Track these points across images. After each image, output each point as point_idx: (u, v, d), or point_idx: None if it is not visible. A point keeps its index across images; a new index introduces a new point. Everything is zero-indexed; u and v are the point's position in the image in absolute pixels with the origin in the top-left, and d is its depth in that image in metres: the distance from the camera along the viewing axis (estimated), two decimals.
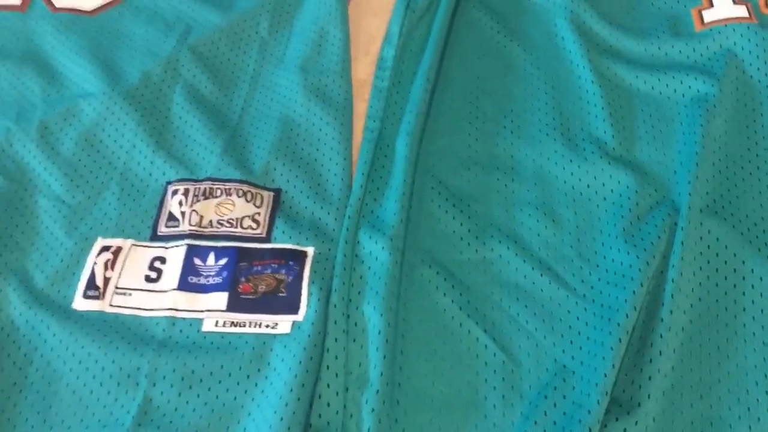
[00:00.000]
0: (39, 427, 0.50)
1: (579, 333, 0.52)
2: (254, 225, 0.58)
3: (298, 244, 0.57)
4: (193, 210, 0.59)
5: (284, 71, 0.69)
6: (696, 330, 0.52)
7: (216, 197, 0.60)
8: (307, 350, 0.51)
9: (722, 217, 0.57)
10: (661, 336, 0.50)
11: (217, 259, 0.56)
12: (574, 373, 0.50)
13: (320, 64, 0.69)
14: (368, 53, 0.71)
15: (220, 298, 0.54)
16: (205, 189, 0.60)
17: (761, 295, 0.53)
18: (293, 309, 0.53)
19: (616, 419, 0.48)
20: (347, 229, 0.57)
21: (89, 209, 0.60)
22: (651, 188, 0.59)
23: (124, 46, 0.71)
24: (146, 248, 0.57)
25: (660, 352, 0.50)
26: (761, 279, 0.54)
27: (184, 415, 0.50)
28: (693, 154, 0.59)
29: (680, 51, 0.67)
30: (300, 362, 0.50)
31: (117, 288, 0.55)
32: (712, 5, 0.69)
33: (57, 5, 0.75)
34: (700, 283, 0.54)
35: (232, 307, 0.54)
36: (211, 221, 0.58)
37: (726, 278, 0.54)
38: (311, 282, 0.54)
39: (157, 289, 0.55)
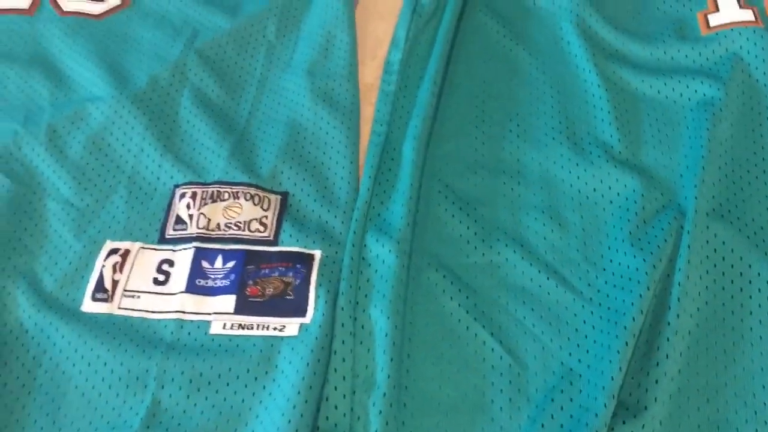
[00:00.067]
0: (48, 428, 0.50)
1: (586, 336, 0.52)
2: (262, 228, 0.58)
3: (305, 247, 0.57)
4: (201, 213, 0.59)
5: (291, 75, 0.69)
6: (702, 333, 0.52)
7: (224, 200, 0.60)
8: (314, 353, 0.51)
9: (729, 220, 0.57)
10: (668, 339, 0.50)
11: (224, 261, 0.56)
12: (580, 376, 0.50)
13: (327, 68, 0.69)
14: (375, 57, 0.71)
15: (228, 301, 0.55)
16: (213, 192, 0.60)
17: None
18: (301, 312, 0.54)
19: (623, 422, 0.48)
20: (354, 233, 0.57)
21: (97, 212, 0.60)
22: (657, 192, 0.59)
23: (131, 50, 0.72)
24: (154, 251, 0.58)
25: (667, 356, 0.50)
26: None
27: (192, 417, 0.50)
28: (699, 158, 0.59)
29: (686, 55, 0.67)
30: (307, 364, 0.50)
31: (125, 290, 0.56)
32: (718, 9, 0.69)
33: (65, 9, 0.76)
34: (706, 287, 0.54)
35: (239, 309, 0.54)
36: (218, 224, 0.59)
37: (732, 282, 0.54)
38: (318, 285, 0.55)
39: (165, 292, 0.55)
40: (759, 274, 0.54)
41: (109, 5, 0.76)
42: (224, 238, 0.58)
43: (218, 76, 0.69)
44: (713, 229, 0.56)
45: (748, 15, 0.67)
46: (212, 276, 0.56)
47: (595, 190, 0.60)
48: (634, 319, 0.51)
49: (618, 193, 0.59)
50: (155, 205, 0.61)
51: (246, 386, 0.51)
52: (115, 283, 0.56)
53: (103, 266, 0.57)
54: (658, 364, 0.50)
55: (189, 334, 0.54)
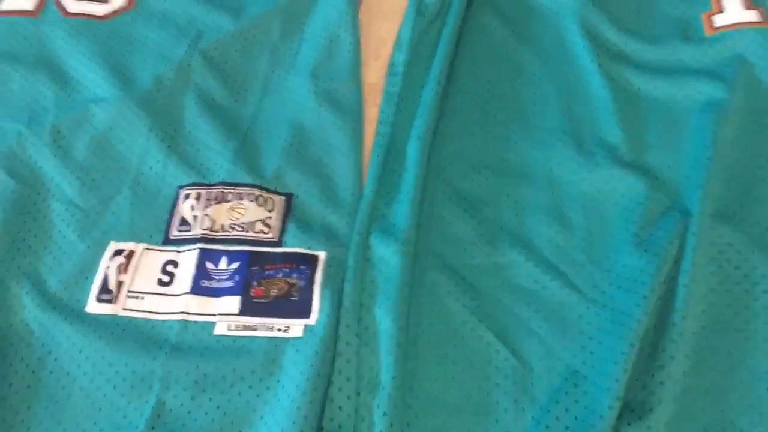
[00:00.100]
0: (52, 429, 0.50)
1: (590, 338, 0.52)
2: (266, 229, 0.58)
3: (309, 248, 0.57)
4: (205, 214, 0.59)
5: (295, 76, 0.69)
6: (708, 335, 0.52)
7: (228, 201, 0.60)
8: (319, 354, 0.51)
9: (734, 222, 0.57)
10: (673, 341, 0.50)
11: (229, 263, 0.56)
12: (585, 377, 0.50)
13: (331, 69, 0.69)
14: (379, 58, 0.71)
15: (233, 302, 0.55)
16: (217, 193, 0.60)
17: None
18: (305, 313, 0.54)
19: (628, 424, 0.48)
20: (358, 233, 0.57)
21: (102, 213, 0.60)
22: (662, 193, 0.59)
23: (136, 51, 0.72)
24: (159, 252, 0.58)
25: (672, 357, 0.50)
26: None
27: (197, 418, 0.50)
28: (704, 159, 0.59)
29: (691, 56, 0.67)
30: (312, 366, 0.50)
31: (130, 292, 0.56)
32: (722, 10, 0.69)
33: (69, 10, 0.76)
34: (711, 289, 0.54)
35: (244, 310, 0.54)
36: (222, 225, 0.59)
37: (738, 283, 0.54)
38: (323, 286, 0.55)
39: (169, 293, 0.55)
40: (764, 275, 0.54)
41: (114, 6, 0.76)
42: (228, 239, 0.58)
43: (222, 78, 0.69)
44: (718, 230, 0.56)
45: (753, 15, 0.67)
46: (216, 277, 0.56)
47: (599, 191, 0.60)
48: (639, 320, 0.51)
49: (623, 195, 0.59)
50: (159, 206, 0.61)
51: (250, 387, 0.51)
52: (119, 284, 0.56)
53: (108, 267, 0.57)
54: (663, 366, 0.50)
55: (193, 335, 0.54)
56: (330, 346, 0.52)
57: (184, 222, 0.59)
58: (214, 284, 0.56)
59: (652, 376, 0.49)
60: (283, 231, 0.58)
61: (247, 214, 0.59)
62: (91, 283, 0.56)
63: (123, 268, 0.57)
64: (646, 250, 0.55)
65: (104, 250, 0.58)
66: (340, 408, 0.50)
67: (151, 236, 0.59)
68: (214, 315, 0.54)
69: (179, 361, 0.52)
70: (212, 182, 0.61)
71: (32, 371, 0.52)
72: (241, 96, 0.68)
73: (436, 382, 0.52)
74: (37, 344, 0.53)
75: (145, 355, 0.52)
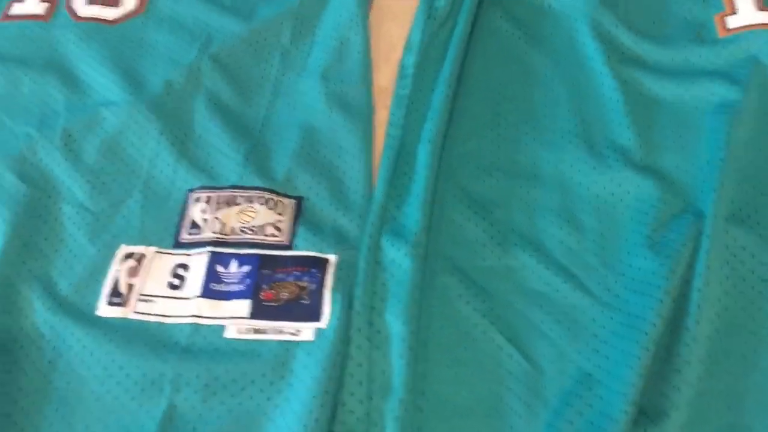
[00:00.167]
0: None
1: (603, 341, 0.52)
2: (276, 232, 0.58)
3: (320, 251, 0.57)
4: (216, 217, 0.59)
5: (306, 79, 0.69)
6: (722, 339, 0.51)
7: (238, 205, 0.60)
8: (330, 358, 0.51)
9: (748, 225, 0.56)
10: (687, 345, 0.50)
11: (239, 266, 0.56)
12: (599, 381, 0.50)
13: (341, 72, 0.69)
14: (389, 60, 0.71)
15: (243, 305, 0.54)
16: (228, 197, 0.60)
17: None
18: (316, 316, 0.53)
19: (644, 429, 0.48)
20: (369, 237, 0.57)
21: (112, 217, 0.60)
22: (675, 196, 0.58)
23: (146, 55, 0.72)
24: (169, 255, 0.58)
25: (686, 362, 0.49)
26: None
27: (208, 421, 0.50)
28: (717, 162, 0.58)
29: (704, 58, 0.66)
30: (323, 370, 0.50)
31: (141, 295, 0.56)
32: (735, 11, 0.68)
33: (80, 15, 0.76)
34: (726, 292, 0.53)
35: (254, 314, 0.54)
36: (233, 229, 0.59)
37: (752, 287, 0.54)
38: (334, 289, 0.54)
39: (180, 296, 0.55)
40: None
41: (124, 11, 0.76)
42: (239, 243, 0.58)
43: (233, 81, 0.69)
44: (732, 233, 0.55)
45: (766, 17, 0.67)
46: (227, 280, 0.56)
47: (612, 194, 0.59)
48: (653, 324, 0.50)
49: (636, 197, 0.59)
50: (170, 210, 0.61)
51: (261, 391, 0.51)
52: (130, 287, 0.56)
53: (119, 270, 0.57)
54: (677, 370, 0.49)
55: (204, 338, 0.53)
56: (341, 349, 0.51)
57: (194, 225, 0.59)
58: (225, 287, 0.55)
59: (667, 380, 0.49)
60: (293, 234, 0.58)
61: (258, 218, 0.59)
62: (102, 286, 0.56)
63: (134, 272, 0.57)
64: (659, 253, 0.55)
65: (115, 253, 0.58)
66: (351, 412, 0.49)
67: (161, 240, 0.59)
68: (224, 318, 0.54)
69: (190, 365, 0.52)
70: (223, 185, 0.61)
71: (43, 374, 0.52)
72: (252, 99, 0.68)
73: (448, 385, 0.51)
74: (48, 347, 0.53)
75: (155, 358, 0.52)
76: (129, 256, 0.58)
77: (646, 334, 0.50)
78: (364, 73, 0.69)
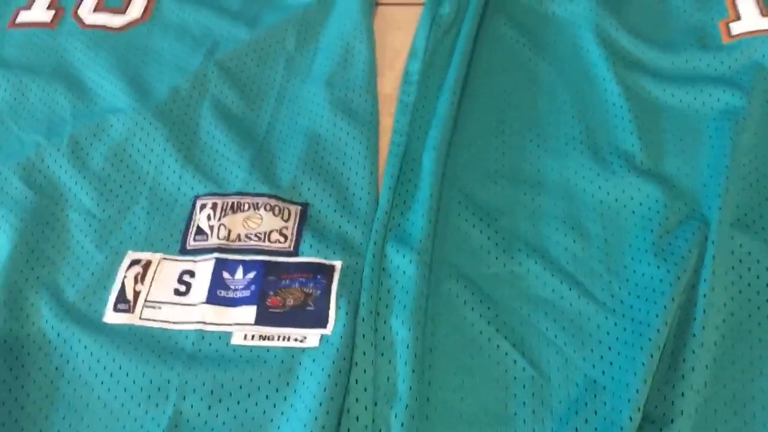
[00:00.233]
0: None
1: (609, 348, 0.52)
2: (282, 239, 0.59)
3: (325, 257, 0.57)
4: (221, 224, 0.59)
5: (311, 86, 0.70)
6: (728, 345, 0.51)
7: (244, 211, 0.60)
8: (335, 364, 0.51)
9: (753, 230, 0.56)
10: (694, 351, 0.50)
11: (245, 272, 0.57)
12: (605, 388, 0.50)
13: (346, 79, 0.69)
14: (394, 68, 0.71)
15: (249, 312, 0.55)
16: (233, 203, 0.60)
17: None
18: (321, 323, 0.53)
19: None
20: (374, 243, 0.57)
21: (119, 223, 0.61)
22: (680, 202, 0.58)
23: (152, 62, 0.72)
24: (175, 262, 0.58)
25: (692, 368, 0.49)
26: None
27: (214, 428, 0.50)
28: (722, 167, 0.58)
29: (708, 64, 0.66)
30: (329, 376, 0.50)
31: (147, 301, 0.56)
32: (739, 17, 0.68)
33: (86, 22, 0.77)
34: (731, 298, 0.53)
35: (260, 320, 0.54)
36: (239, 235, 0.59)
37: (758, 293, 0.53)
38: (339, 296, 0.55)
39: (186, 303, 0.56)
40: None
41: (130, 18, 0.77)
42: (245, 249, 0.58)
43: (238, 88, 0.69)
44: (738, 239, 0.55)
45: None
46: (233, 287, 0.56)
47: (617, 200, 0.59)
48: (658, 330, 0.50)
49: (640, 203, 0.59)
50: (176, 216, 0.61)
51: (267, 397, 0.51)
52: (136, 293, 0.56)
53: (125, 277, 0.57)
54: (683, 377, 0.49)
55: (210, 344, 0.54)
56: (347, 356, 0.51)
57: (200, 232, 0.59)
58: (231, 294, 0.56)
59: (673, 386, 0.49)
60: (299, 241, 0.58)
61: (264, 224, 0.59)
62: (109, 292, 0.56)
63: (140, 278, 0.57)
64: (664, 260, 0.55)
65: (121, 260, 0.58)
66: (357, 418, 0.49)
67: (167, 246, 0.59)
68: (230, 325, 0.54)
69: (196, 371, 0.52)
70: (228, 192, 0.62)
71: (50, 381, 0.53)
72: (257, 106, 0.69)
73: (453, 392, 0.51)
74: (55, 354, 0.54)
75: (162, 364, 0.52)
76: (135, 262, 0.58)
77: (651, 340, 0.50)
78: (369, 80, 0.69)
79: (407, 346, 0.51)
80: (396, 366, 0.51)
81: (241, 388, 0.51)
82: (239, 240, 0.59)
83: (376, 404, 0.50)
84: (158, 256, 0.58)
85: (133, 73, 0.71)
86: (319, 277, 0.56)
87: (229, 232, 0.59)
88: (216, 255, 0.57)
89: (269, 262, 0.57)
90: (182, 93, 0.69)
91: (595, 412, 0.49)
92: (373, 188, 0.62)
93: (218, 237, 0.59)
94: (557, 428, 0.49)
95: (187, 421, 0.50)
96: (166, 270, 0.57)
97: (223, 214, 0.60)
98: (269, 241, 0.58)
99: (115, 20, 0.76)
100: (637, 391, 0.48)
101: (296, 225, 0.59)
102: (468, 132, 0.65)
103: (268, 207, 0.60)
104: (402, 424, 0.48)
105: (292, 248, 0.58)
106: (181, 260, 0.58)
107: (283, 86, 0.70)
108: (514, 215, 0.60)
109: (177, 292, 0.56)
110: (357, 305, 0.54)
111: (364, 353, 0.51)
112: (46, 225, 0.60)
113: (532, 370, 0.52)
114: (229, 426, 0.50)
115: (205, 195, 0.62)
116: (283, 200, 0.61)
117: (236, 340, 0.54)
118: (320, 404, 0.49)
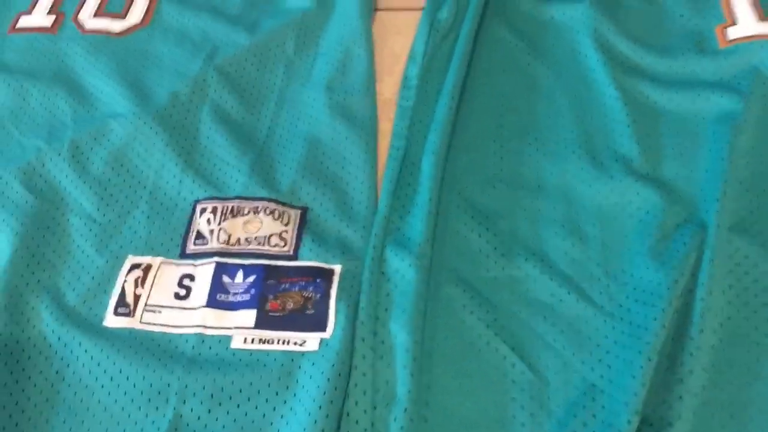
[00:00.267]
0: None
1: (607, 351, 0.52)
2: (281, 243, 0.59)
3: (325, 261, 0.57)
4: (221, 228, 0.60)
5: (310, 90, 0.70)
6: (725, 348, 0.52)
7: (244, 215, 0.60)
8: (335, 368, 0.51)
9: (751, 234, 0.56)
10: (691, 355, 0.50)
11: (245, 276, 0.57)
12: (603, 392, 0.50)
13: (345, 84, 0.70)
14: (393, 72, 0.71)
15: (249, 316, 0.55)
16: (233, 207, 0.61)
17: None
18: (321, 326, 0.54)
19: None
20: (374, 247, 0.57)
21: (119, 227, 0.61)
22: (678, 206, 0.58)
23: (152, 67, 0.73)
24: (175, 266, 0.58)
25: (690, 372, 0.49)
26: None
27: (214, 431, 0.50)
28: (720, 171, 0.59)
29: (705, 68, 0.67)
30: (328, 380, 0.50)
31: (147, 305, 0.56)
32: (735, 22, 0.69)
33: (87, 27, 0.77)
34: (729, 302, 0.53)
35: (260, 324, 0.54)
36: (239, 239, 0.59)
37: (756, 296, 0.54)
38: (338, 299, 0.55)
39: (186, 307, 0.56)
40: None
41: (130, 23, 0.77)
42: (244, 253, 0.58)
43: (238, 92, 0.70)
44: (735, 243, 0.55)
45: (766, 28, 0.67)
46: (233, 291, 0.56)
47: (615, 204, 0.60)
48: (656, 334, 0.51)
49: (638, 207, 0.59)
50: (176, 221, 0.61)
51: (267, 401, 0.51)
52: (136, 297, 0.56)
53: (125, 281, 0.57)
54: (681, 380, 0.49)
55: (210, 348, 0.54)
56: (346, 359, 0.52)
57: (200, 236, 0.60)
58: (231, 298, 0.56)
59: (671, 390, 0.49)
60: (298, 245, 0.59)
61: (263, 228, 0.60)
62: (109, 296, 0.57)
63: (140, 282, 0.57)
64: (662, 263, 0.55)
65: (122, 263, 0.58)
66: (356, 422, 0.49)
67: (168, 250, 0.59)
68: (230, 328, 0.55)
69: (196, 375, 0.52)
70: (228, 196, 0.62)
71: (50, 384, 0.53)
72: (257, 110, 0.69)
73: (452, 395, 0.51)
74: (56, 357, 0.54)
75: (162, 368, 0.53)
76: (135, 266, 0.58)
77: (650, 343, 0.50)
78: (368, 85, 0.69)
79: (406, 350, 0.51)
80: (395, 369, 0.51)
81: (241, 391, 0.51)
82: (239, 244, 0.59)
83: (375, 408, 0.50)
84: (158, 260, 0.59)
85: (133, 78, 0.71)
86: (318, 280, 0.56)
87: (229, 236, 0.59)
88: (216, 259, 0.58)
89: (269, 266, 0.57)
90: (182, 98, 0.69)
91: (594, 416, 0.49)
92: (373, 192, 0.62)
93: (218, 241, 0.59)
94: (555, 431, 0.49)
95: (187, 424, 0.50)
96: (167, 274, 0.58)
97: (223, 218, 0.60)
98: (269, 245, 0.59)
99: (115, 25, 0.77)
100: (635, 394, 0.48)
101: (296, 229, 0.60)
102: (467, 136, 0.65)
103: (267, 211, 0.60)
104: (401, 428, 0.49)
105: (291, 252, 0.58)
106: (181, 264, 0.58)
107: (282, 91, 0.70)
108: (513, 219, 0.60)
109: (177, 296, 0.56)
110: (356, 309, 0.54)
111: (364, 357, 0.52)
112: (46, 229, 0.61)
113: (531, 373, 0.52)
114: (229, 429, 0.50)
115: (205, 199, 0.62)
116: (283, 204, 0.61)
117: (236, 343, 0.54)
118: (320, 408, 0.49)
